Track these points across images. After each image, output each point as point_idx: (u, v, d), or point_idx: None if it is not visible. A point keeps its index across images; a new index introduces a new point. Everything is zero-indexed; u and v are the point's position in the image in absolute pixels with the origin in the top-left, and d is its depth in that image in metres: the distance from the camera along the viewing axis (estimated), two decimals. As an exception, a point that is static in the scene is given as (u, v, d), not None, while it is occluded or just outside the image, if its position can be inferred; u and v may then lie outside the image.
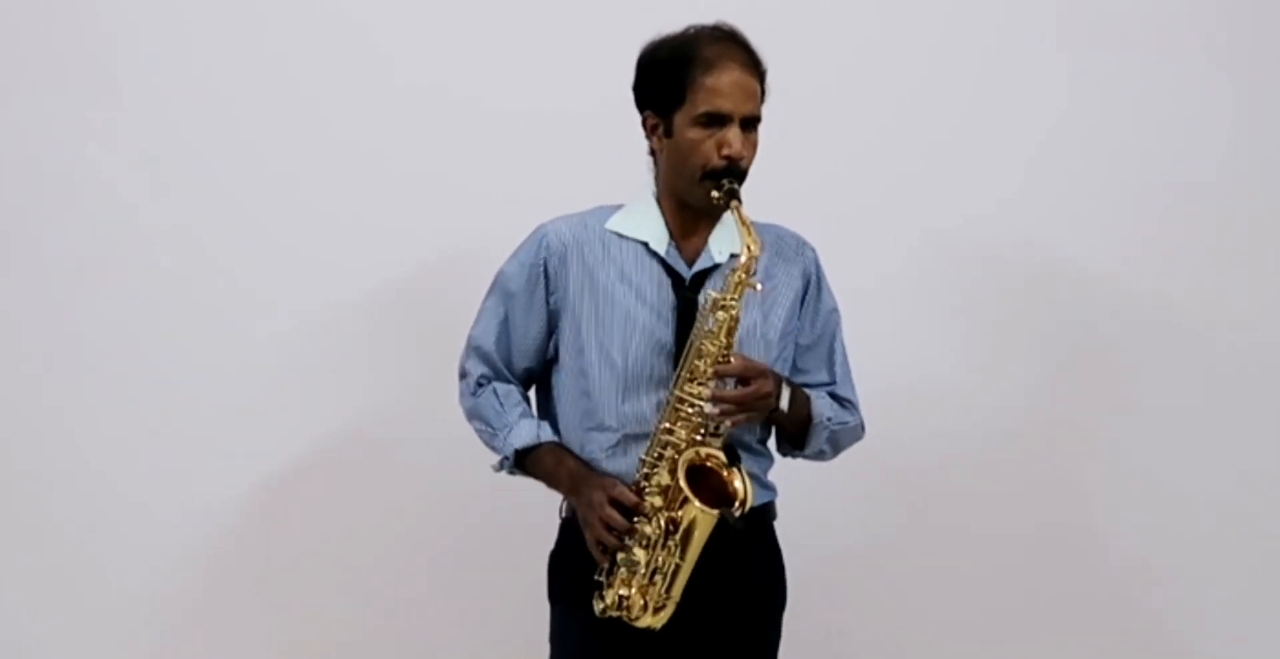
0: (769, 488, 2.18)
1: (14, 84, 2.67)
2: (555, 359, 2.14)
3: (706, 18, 2.07)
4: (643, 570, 1.96)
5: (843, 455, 2.27)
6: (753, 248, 1.95)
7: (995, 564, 2.85)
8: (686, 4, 2.08)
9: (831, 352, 2.21)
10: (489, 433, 2.14)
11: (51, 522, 2.69)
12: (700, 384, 1.96)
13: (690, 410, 1.97)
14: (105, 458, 2.69)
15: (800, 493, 2.30)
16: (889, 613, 2.84)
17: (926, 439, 2.82)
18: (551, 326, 2.13)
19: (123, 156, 2.68)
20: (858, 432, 2.22)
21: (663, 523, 1.95)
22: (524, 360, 2.16)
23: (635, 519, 1.96)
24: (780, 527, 2.21)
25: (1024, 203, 2.82)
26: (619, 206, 2.15)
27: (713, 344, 1.96)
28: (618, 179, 2.16)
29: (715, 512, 1.92)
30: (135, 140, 2.69)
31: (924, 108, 2.82)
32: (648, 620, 1.97)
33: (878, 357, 2.46)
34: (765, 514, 2.16)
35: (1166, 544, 2.85)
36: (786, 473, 2.22)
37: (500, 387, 2.15)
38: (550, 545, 2.16)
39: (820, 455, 2.17)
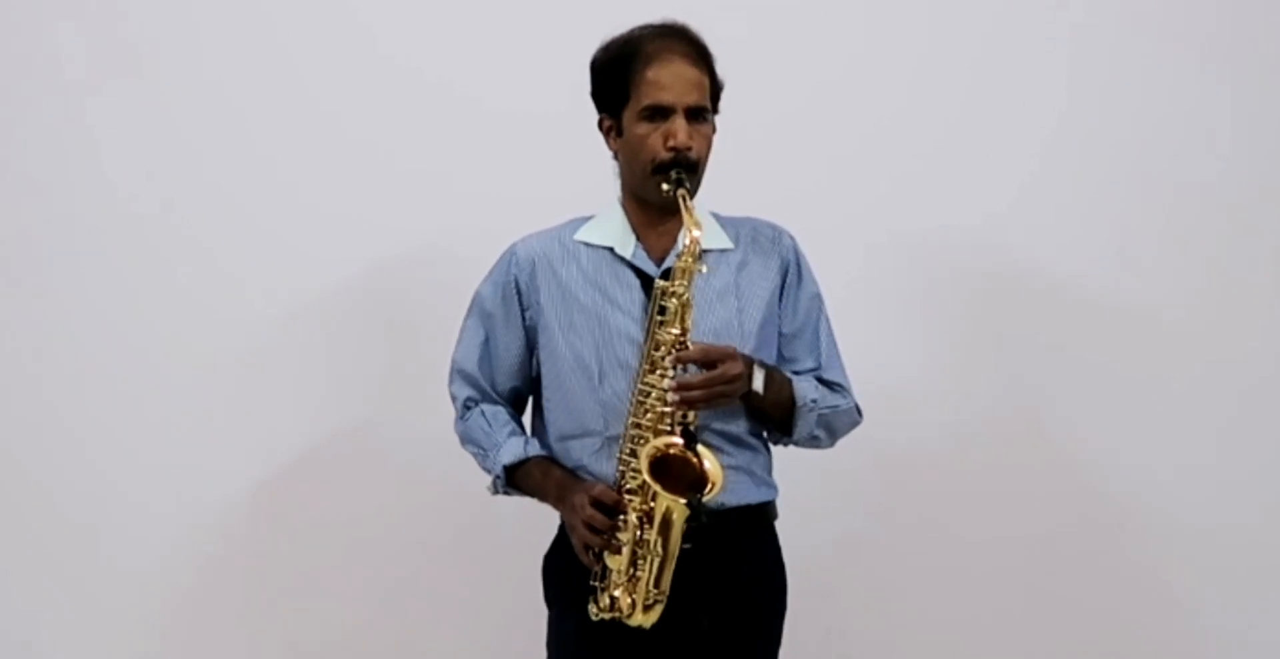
0: (769, 486, 2.14)
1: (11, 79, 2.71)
2: (540, 375, 2.15)
3: (703, 20, 2.09)
4: (625, 568, 1.94)
5: (843, 455, 2.25)
6: (694, 232, 1.94)
7: (995, 563, 2.83)
8: (682, 6, 2.10)
9: (816, 337, 2.17)
10: (480, 455, 2.15)
11: (48, 517, 2.72)
12: (661, 374, 1.95)
13: (655, 402, 1.95)
14: (99, 454, 2.72)
15: (800, 492, 2.26)
16: (889, 612, 2.81)
17: (926, 439, 2.80)
18: (531, 343, 2.14)
19: (124, 158, 2.73)
20: (852, 415, 2.16)
21: (638, 519, 1.93)
22: (508, 380, 2.17)
23: (619, 518, 1.95)
24: (780, 527, 2.17)
25: (1020, 209, 2.82)
26: (591, 217, 2.16)
27: (667, 333, 1.95)
28: (603, 181, 2.18)
29: (683, 500, 1.88)
30: (134, 139, 2.72)
31: (915, 111, 2.81)
32: (639, 619, 1.95)
33: (874, 356, 2.46)
34: (765, 513, 2.12)
35: (1158, 546, 2.84)
36: (785, 471, 2.20)
37: (488, 408, 2.16)
38: (545, 548, 2.16)
39: (815, 442, 2.12)
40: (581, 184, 2.18)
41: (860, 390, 2.21)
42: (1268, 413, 2.84)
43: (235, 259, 2.73)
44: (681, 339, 1.96)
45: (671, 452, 1.95)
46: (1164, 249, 2.83)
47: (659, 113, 2.02)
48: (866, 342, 2.39)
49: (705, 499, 1.90)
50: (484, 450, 2.14)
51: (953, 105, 2.82)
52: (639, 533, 1.94)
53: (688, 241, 1.95)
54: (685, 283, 1.96)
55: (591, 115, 2.14)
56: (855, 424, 2.19)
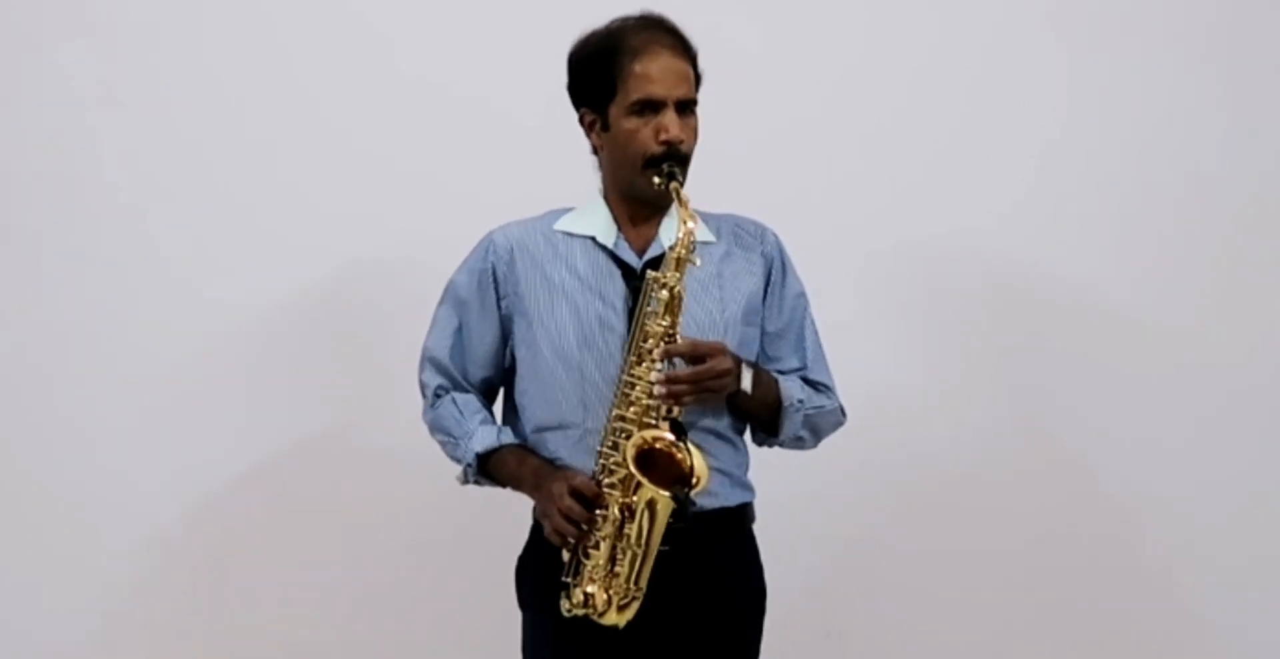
0: (747, 488, 2.10)
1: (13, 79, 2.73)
2: (513, 366, 2.11)
3: (702, 21, 2.07)
4: (604, 563, 1.91)
5: (844, 458, 2.26)
6: (689, 224, 1.91)
7: (995, 567, 2.81)
8: (680, 6, 2.08)
9: (801, 336, 2.14)
10: (450, 443, 2.10)
11: (38, 505, 2.72)
12: (648, 366, 1.92)
13: (640, 394, 1.92)
14: (95, 446, 2.72)
15: (803, 496, 2.27)
16: (888, 612, 2.80)
17: (926, 443, 2.79)
18: (506, 332, 2.10)
19: (122, 155, 2.72)
20: (837, 415, 2.13)
21: (619, 512, 1.90)
22: (481, 369, 2.12)
23: (596, 512, 1.92)
24: (779, 527, 2.15)
25: (1021, 212, 2.81)
26: (570, 209, 2.13)
27: (657, 324, 1.92)
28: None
29: (668, 493, 1.85)
30: (133, 135, 2.72)
31: (919, 117, 2.81)
32: (613, 617, 1.92)
33: (877, 360, 2.50)
34: (743, 515, 2.09)
35: (1156, 548, 2.84)
36: (788, 475, 2.20)
37: (459, 396, 2.12)
38: (519, 549, 2.12)
39: (800, 443, 2.09)
40: (577, 185, 2.14)
41: (863, 394, 2.21)
42: (1274, 415, 2.83)
43: (231, 255, 2.74)
44: (671, 332, 1.93)
45: (658, 445, 1.92)
46: (1165, 253, 2.83)
47: (649, 107, 1.98)
48: (869, 345, 2.38)
49: (692, 494, 1.86)
50: (454, 439, 2.09)
51: (953, 111, 2.81)
52: (620, 527, 1.90)
53: (682, 234, 1.92)
54: (678, 275, 1.92)
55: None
56: (839, 424, 2.16)
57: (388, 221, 2.72)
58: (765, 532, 2.13)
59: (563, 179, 2.16)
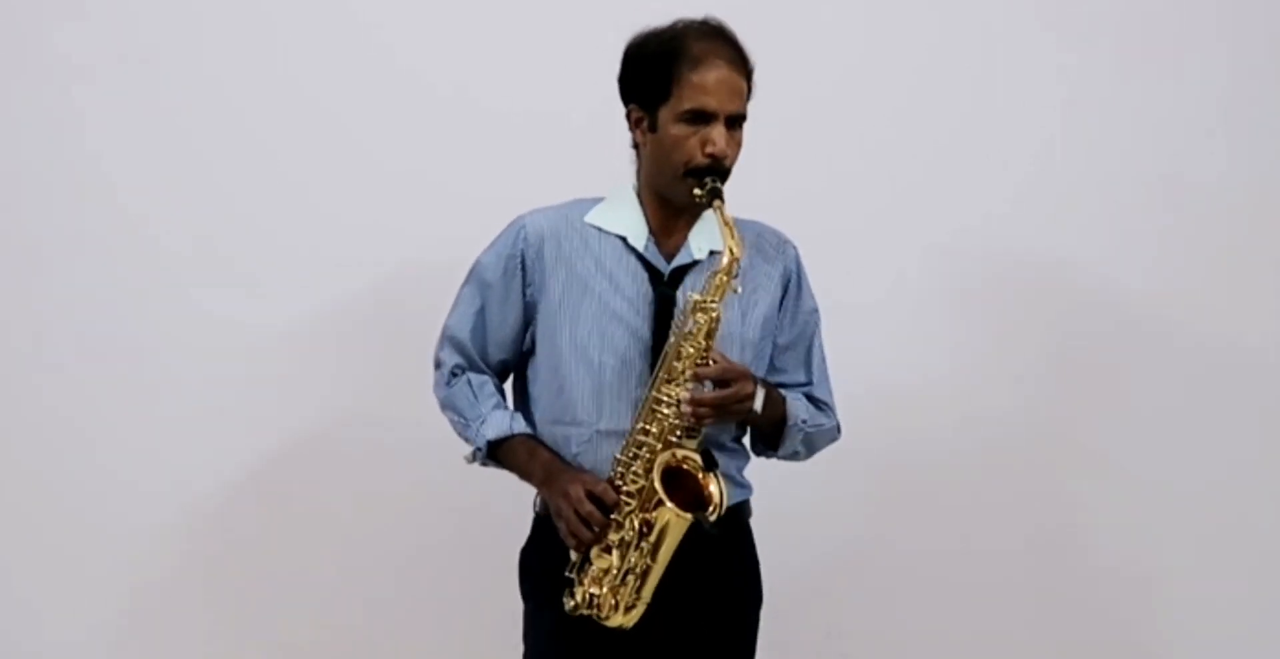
0: (744, 486, 2.16)
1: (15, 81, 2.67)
2: (531, 351, 2.12)
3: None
4: (614, 571, 1.95)
5: (848, 459, 2.28)
6: (735, 250, 1.93)
7: (994, 564, 2.84)
8: (683, 6, 2.05)
9: (809, 352, 2.19)
10: (462, 423, 2.12)
11: (45, 508, 2.70)
12: (678, 385, 1.95)
13: (667, 411, 1.96)
14: (101, 449, 2.70)
15: (805, 495, 2.28)
16: (888, 613, 2.81)
17: (926, 442, 2.81)
18: (528, 318, 2.11)
19: (120, 151, 2.68)
20: (833, 433, 2.20)
21: (636, 524, 1.94)
22: (499, 352, 2.14)
23: (610, 517, 1.96)
24: (779, 527, 2.19)
25: (1021, 211, 2.82)
26: (598, 199, 2.13)
27: (692, 346, 1.95)
28: (607, 179, 2.16)
29: (689, 516, 1.91)
30: (133, 134, 2.68)
31: (921, 116, 2.81)
32: (618, 620, 1.96)
33: (877, 360, 2.50)
34: (740, 513, 2.14)
35: (1157, 547, 2.86)
36: (787, 472, 2.22)
37: (474, 377, 2.13)
38: (523, 541, 2.15)
39: (794, 456, 2.16)
40: (592, 184, 2.15)
41: (862, 393, 2.26)
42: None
43: (231, 255, 2.70)
44: (704, 355, 1.96)
45: (686, 466, 1.96)
46: (1167, 251, 2.84)
47: (700, 117, 1.98)
48: (869, 344, 2.43)
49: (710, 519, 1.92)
50: (466, 420, 2.11)
51: (953, 111, 2.81)
52: (636, 539, 1.94)
53: (727, 260, 1.94)
54: (718, 299, 1.95)
55: (595, 117, 2.11)
56: (834, 441, 2.22)
57: (386, 223, 2.70)
58: (765, 532, 2.17)
59: (575, 178, 2.16)
